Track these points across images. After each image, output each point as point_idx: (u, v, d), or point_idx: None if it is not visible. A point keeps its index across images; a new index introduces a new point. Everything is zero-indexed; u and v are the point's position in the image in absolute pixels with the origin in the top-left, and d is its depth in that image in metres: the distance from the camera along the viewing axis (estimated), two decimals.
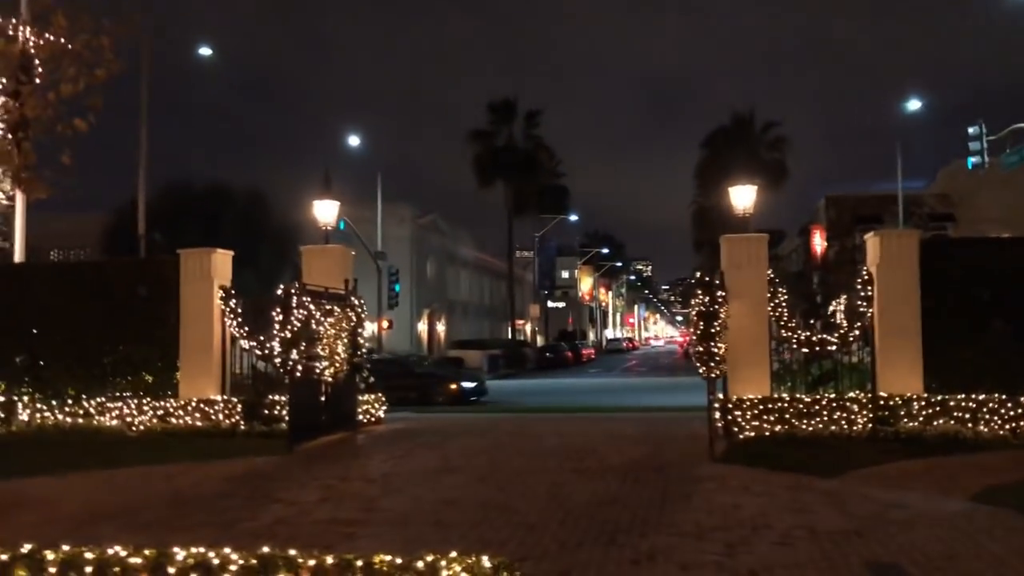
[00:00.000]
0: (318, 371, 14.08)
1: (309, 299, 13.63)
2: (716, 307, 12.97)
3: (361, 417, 16.55)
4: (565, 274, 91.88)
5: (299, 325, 13.22)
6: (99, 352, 16.04)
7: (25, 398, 15.99)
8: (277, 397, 14.75)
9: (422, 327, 51.71)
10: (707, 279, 13.15)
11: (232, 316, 15.64)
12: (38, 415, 15.88)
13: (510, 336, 56.87)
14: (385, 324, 42.31)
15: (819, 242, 50.65)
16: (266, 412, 15.10)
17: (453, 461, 12.14)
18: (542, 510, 8.83)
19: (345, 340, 15.14)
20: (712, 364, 12.82)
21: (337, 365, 14.76)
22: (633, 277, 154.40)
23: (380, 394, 17.51)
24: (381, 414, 17.36)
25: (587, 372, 48.09)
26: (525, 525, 8.15)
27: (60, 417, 15.80)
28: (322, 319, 14.12)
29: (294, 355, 13.10)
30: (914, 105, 34.71)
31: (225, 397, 15.56)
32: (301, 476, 11.06)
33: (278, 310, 13.29)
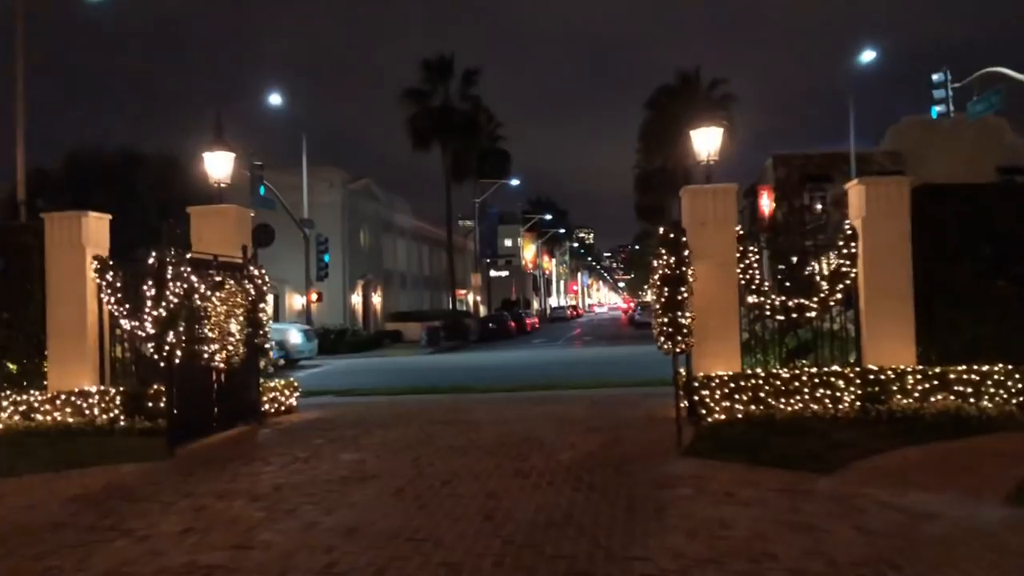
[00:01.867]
0: (206, 355, 11.70)
1: (190, 269, 11.20)
2: (683, 269, 10.91)
3: (268, 406, 14.24)
4: (508, 242, 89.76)
5: (176, 301, 10.81)
6: None
7: None
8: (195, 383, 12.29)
9: (356, 299, 49.09)
10: (672, 236, 11.05)
11: (110, 291, 13.16)
12: None
13: (451, 307, 54.59)
14: (314, 296, 39.72)
15: (767, 203, 49.19)
16: (150, 405, 12.69)
17: (368, 464, 9.92)
18: (472, 539, 6.68)
19: (241, 318, 12.76)
20: (680, 337, 10.77)
21: (231, 347, 12.38)
22: (576, 244, 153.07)
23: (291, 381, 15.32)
24: (294, 402, 15.07)
25: (531, 343, 46.13)
26: (447, 566, 6.00)
27: None
28: (209, 293, 11.71)
29: (171, 337, 10.69)
30: (868, 56, 33.08)
31: (102, 387, 13.10)
32: (171, 492, 8.74)
33: (149, 283, 10.86)
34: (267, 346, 13.66)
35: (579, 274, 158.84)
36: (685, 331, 10.80)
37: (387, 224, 55.78)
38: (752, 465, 9.07)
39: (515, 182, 60.00)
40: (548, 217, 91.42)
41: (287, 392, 14.95)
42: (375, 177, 53.54)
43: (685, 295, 10.87)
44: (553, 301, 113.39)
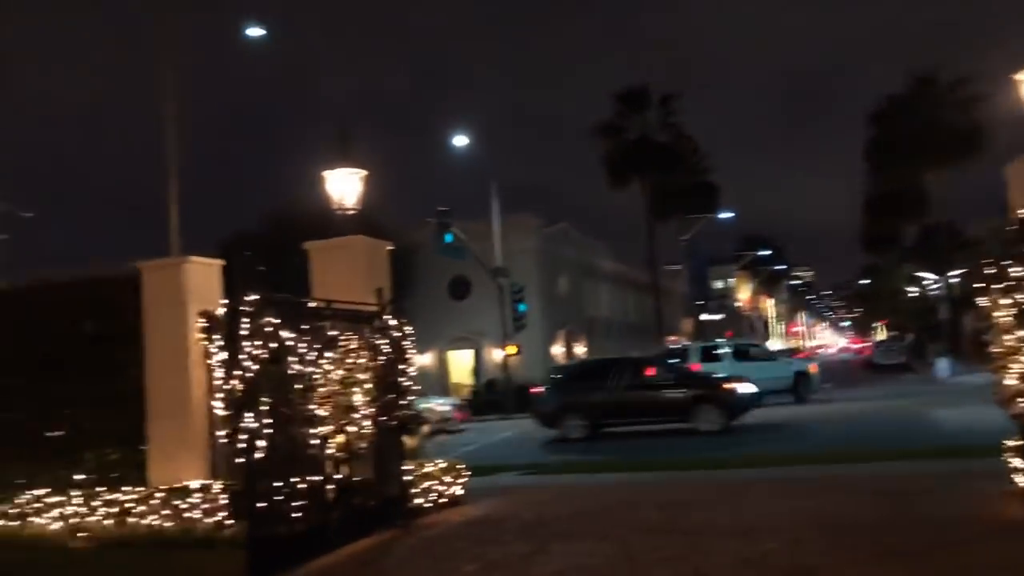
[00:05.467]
0: (313, 441, 8.35)
1: (280, 321, 7.89)
2: None
3: (423, 499, 10.73)
4: (719, 283, 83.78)
5: (256, 367, 7.52)
6: (39, 422, 11.02)
7: None
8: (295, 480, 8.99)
9: (558, 350, 45.70)
10: None
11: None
12: None
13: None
14: (512, 350, 36.65)
15: None
16: (271, 502, 9.48)
17: None
18: None
19: (368, 384, 9.36)
20: None
21: (355, 428, 8.99)
22: (795, 282, 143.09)
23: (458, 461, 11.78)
24: (459, 490, 11.49)
25: None
26: None
27: None
28: (313, 353, 8.39)
29: (249, 420, 7.39)
30: None
31: (207, 482, 10.09)
32: None
33: (218, 345, 7.67)
34: (414, 420, 10.22)
35: (799, 314, 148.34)
36: None
37: (587, 269, 52.31)
38: None
39: (727, 215, 54.78)
40: (765, 253, 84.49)
41: (449, 478, 11.41)
42: (572, 220, 50.43)
43: None
44: (772, 344, 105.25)
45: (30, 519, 10.52)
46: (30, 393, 11.10)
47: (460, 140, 34.72)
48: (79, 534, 10.17)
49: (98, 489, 10.42)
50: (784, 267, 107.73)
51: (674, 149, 47.56)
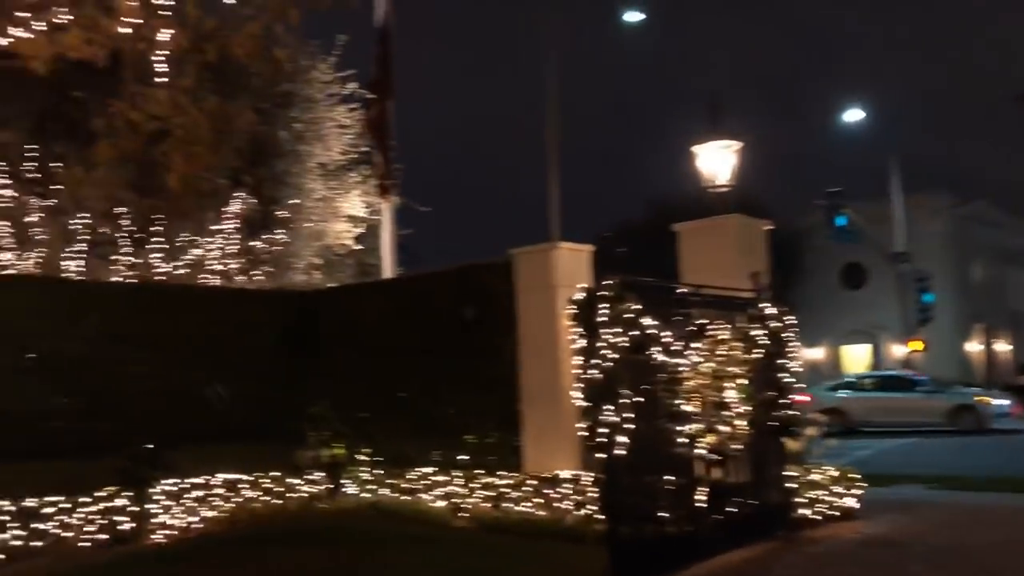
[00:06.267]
0: (680, 439, 7.61)
1: (642, 307, 7.25)
2: None
3: (808, 510, 9.53)
4: None
5: (616, 356, 6.95)
6: (426, 402, 11.60)
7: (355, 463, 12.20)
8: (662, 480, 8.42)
9: (973, 347, 40.21)
10: None
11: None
12: (366, 487, 11.88)
13: None
14: (918, 346, 32.85)
15: None
16: (634, 501, 8.98)
17: None
18: None
19: (744, 380, 8.39)
20: None
21: (728, 426, 8.10)
22: None
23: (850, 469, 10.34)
24: (852, 502, 10.07)
25: None
26: None
27: (383, 491, 11.56)
28: (680, 343, 7.64)
29: (609, 414, 6.86)
30: None
31: (576, 472, 9.83)
32: None
33: (579, 332, 7.21)
34: (795, 421, 9.08)
35: None
36: None
37: (1011, 254, 45.40)
38: None
39: None
40: None
41: (840, 487, 10.04)
42: (991, 198, 44.09)
43: None
44: None
45: (419, 495, 11.11)
46: (421, 374, 11.73)
47: (853, 115, 31.81)
48: (459, 514, 10.52)
49: (476, 471, 10.69)
50: None
51: None
